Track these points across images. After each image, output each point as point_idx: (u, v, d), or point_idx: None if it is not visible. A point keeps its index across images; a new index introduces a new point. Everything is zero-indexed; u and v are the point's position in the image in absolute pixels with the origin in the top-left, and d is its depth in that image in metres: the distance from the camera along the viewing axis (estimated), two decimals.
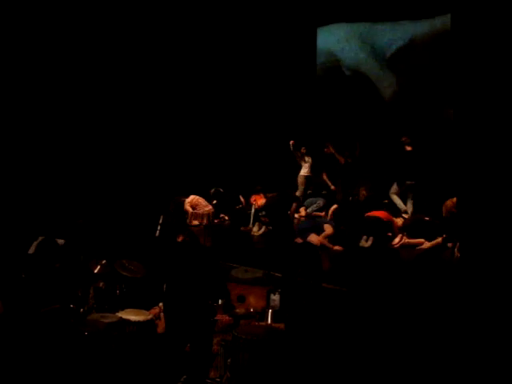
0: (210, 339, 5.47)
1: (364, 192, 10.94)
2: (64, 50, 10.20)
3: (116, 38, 10.87)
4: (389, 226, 9.13)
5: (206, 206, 10.85)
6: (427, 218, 9.27)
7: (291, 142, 11.99)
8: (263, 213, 10.48)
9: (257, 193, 11.47)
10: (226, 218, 11.85)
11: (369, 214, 9.46)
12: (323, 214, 11.28)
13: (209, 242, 8.89)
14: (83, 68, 10.65)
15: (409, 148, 10.46)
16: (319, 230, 9.30)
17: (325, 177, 12.20)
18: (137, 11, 11.08)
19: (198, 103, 12.59)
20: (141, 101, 11.59)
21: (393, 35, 12.16)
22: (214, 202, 11.59)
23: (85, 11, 10.34)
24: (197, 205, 10.72)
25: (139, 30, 11.20)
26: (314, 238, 9.08)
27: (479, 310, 4.18)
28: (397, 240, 9.06)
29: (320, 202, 11.62)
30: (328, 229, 9.32)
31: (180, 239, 5.92)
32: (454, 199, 8.71)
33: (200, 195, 11.11)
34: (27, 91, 9.78)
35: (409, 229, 9.22)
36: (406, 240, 9.05)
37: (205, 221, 10.60)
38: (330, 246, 9.06)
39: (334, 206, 10.75)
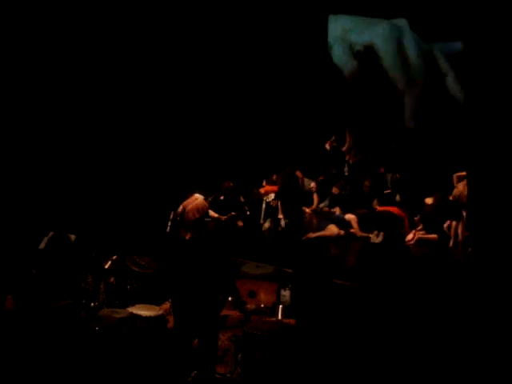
0: (216, 334, 5.46)
1: (367, 183, 10.94)
2: (64, 50, 10.21)
3: (116, 38, 10.85)
4: (401, 221, 9.09)
5: (195, 199, 10.73)
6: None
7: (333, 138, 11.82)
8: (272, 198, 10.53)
9: (272, 183, 11.44)
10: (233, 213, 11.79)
11: (381, 208, 9.43)
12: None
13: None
14: (93, 66, 10.66)
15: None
16: (343, 223, 9.36)
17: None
18: (137, 11, 11.07)
19: (206, 97, 12.56)
20: (149, 96, 11.59)
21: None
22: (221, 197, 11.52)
23: (85, 11, 10.35)
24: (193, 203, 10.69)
25: (139, 29, 11.18)
26: (333, 229, 9.14)
27: (491, 308, 4.13)
28: (410, 236, 9.02)
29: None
30: (353, 218, 9.39)
31: (187, 237, 5.92)
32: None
33: (210, 190, 11.11)
34: (34, 89, 9.81)
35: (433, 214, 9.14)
36: (419, 235, 9.01)
37: (197, 215, 10.54)
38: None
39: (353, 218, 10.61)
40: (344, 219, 9.47)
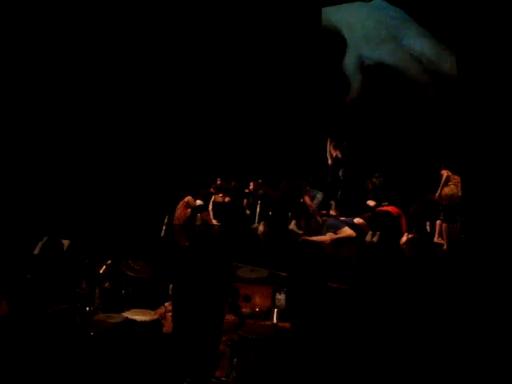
0: (217, 339, 5.46)
1: (371, 186, 10.87)
2: (64, 50, 10.21)
3: (116, 38, 10.86)
4: (398, 222, 9.01)
5: (179, 208, 10.88)
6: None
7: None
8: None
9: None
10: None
11: (379, 208, 9.40)
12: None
13: (183, 242, 8.87)
14: (91, 68, 10.66)
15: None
16: (354, 228, 9.35)
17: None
18: (137, 11, 11.07)
19: (200, 101, 12.57)
20: (144, 102, 11.60)
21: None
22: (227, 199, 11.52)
23: (85, 11, 10.35)
24: (177, 208, 10.86)
25: (139, 29, 11.19)
26: (349, 231, 9.15)
27: (485, 310, 4.16)
28: (404, 239, 9.00)
29: (319, 195, 11.37)
30: (362, 222, 9.36)
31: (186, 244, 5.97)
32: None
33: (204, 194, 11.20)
34: (29, 92, 9.80)
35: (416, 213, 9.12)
36: (409, 237, 9.02)
37: (180, 221, 10.68)
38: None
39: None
40: (354, 223, 9.42)
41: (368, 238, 9.00)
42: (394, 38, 11.96)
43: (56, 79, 10.19)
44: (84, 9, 10.33)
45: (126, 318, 5.81)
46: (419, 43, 11.90)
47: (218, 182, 12.22)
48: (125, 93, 11.20)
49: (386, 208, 9.29)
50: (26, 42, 9.69)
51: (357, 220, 9.45)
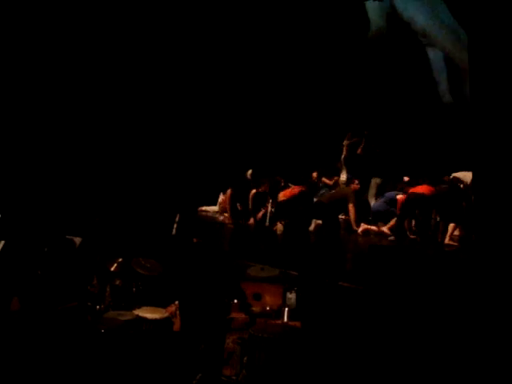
0: (223, 337, 5.47)
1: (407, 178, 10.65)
2: (64, 50, 10.24)
3: (116, 37, 10.87)
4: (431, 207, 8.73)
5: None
6: None
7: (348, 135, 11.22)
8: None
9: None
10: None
11: (413, 190, 8.92)
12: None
13: None
14: (106, 66, 10.69)
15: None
16: (392, 203, 9.30)
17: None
18: (137, 12, 11.07)
19: (213, 99, 12.54)
20: (155, 99, 11.60)
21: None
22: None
23: (85, 11, 10.37)
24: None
25: (139, 29, 11.18)
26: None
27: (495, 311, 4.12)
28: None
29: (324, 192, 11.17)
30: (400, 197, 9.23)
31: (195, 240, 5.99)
32: None
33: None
34: (41, 91, 9.85)
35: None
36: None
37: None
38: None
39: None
40: (396, 199, 9.19)
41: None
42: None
43: (68, 77, 10.23)
44: (84, 8, 10.35)
45: (137, 315, 5.83)
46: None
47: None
48: (137, 89, 11.21)
49: (418, 188, 8.88)
50: (25, 42, 9.73)
51: (399, 196, 9.12)
